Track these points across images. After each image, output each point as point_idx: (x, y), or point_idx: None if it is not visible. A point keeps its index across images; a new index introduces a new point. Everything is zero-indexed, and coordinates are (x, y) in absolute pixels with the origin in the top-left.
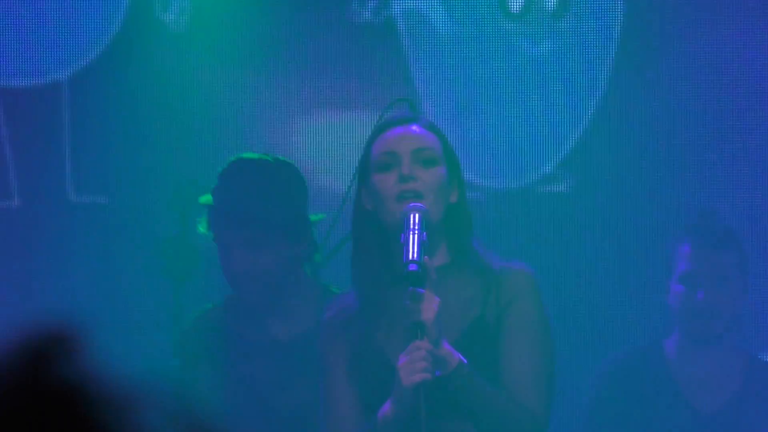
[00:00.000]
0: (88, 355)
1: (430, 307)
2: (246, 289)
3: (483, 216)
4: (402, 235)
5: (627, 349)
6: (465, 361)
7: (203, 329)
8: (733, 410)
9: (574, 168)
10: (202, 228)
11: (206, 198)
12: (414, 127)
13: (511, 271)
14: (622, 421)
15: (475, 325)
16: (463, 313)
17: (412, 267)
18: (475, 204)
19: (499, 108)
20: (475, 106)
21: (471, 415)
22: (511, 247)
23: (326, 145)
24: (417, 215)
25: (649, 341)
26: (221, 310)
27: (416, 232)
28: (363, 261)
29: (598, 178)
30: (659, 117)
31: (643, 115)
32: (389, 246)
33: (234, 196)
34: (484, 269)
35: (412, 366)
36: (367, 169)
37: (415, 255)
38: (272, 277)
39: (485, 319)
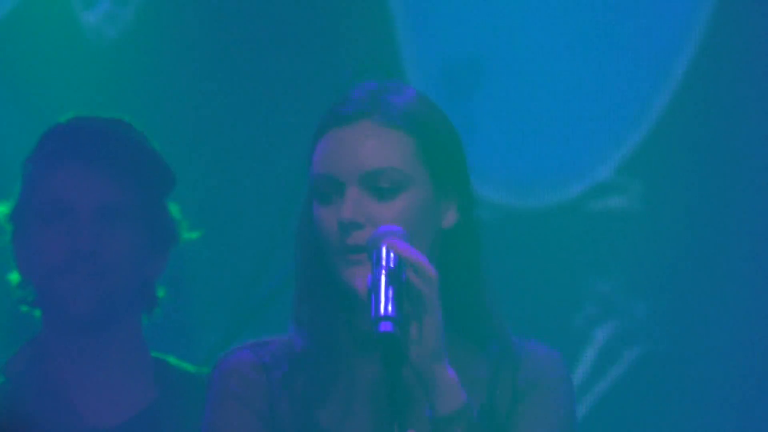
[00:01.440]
0: None
1: None
2: (81, 283)
3: (505, 244)
4: (369, 276)
5: None
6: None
7: None
8: None
9: (638, 173)
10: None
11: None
12: (367, 128)
13: (534, 351)
14: None
15: (481, 416)
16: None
17: (385, 326)
18: (493, 227)
19: (526, 86)
20: (493, 83)
21: None
22: (547, 287)
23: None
24: (390, 251)
25: None
26: None
27: (389, 270)
28: (310, 312)
29: (672, 187)
30: (754, 108)
31: (732, 104)
32: (348, 299)
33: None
34: (495, 337)
35: None
36: (310, 188)
37: (389, 308)
38: (123, 272)
39: (494, 408)
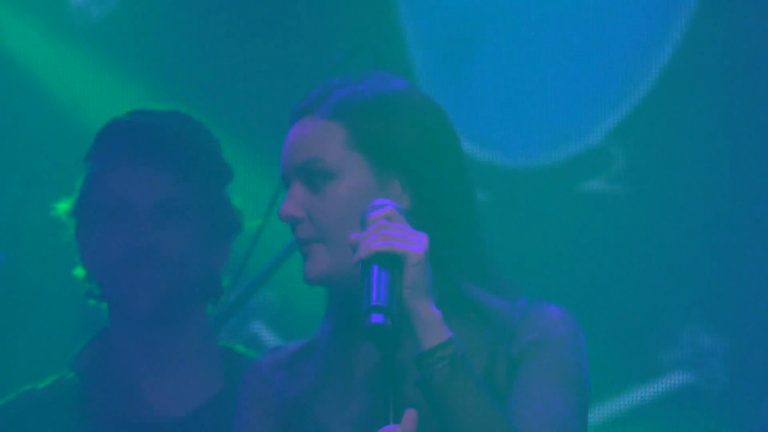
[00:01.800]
0: None
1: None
2: (139, 280)
3: (501, 203)
4: (361, 265)
5: None
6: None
7: (35, 416)
8: None
9: (627, 144)
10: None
11: None
12: (304, 123)
13: (534, 315)
14: None
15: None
16: None
17: (376, 318)
18: (490, 187)
19: (516, 50)
20: (481, 48)
21: None
22: (532, 265)
23: None
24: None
25: None
26: (68, 385)
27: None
28: (328, 306)
29: (663, 161)
30: (750, 80)
31: (729, 74)
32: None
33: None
34: (487, 308)
35: None
36: None
37: (381, 295)
38: (184, 266)
39: (492, 377)
